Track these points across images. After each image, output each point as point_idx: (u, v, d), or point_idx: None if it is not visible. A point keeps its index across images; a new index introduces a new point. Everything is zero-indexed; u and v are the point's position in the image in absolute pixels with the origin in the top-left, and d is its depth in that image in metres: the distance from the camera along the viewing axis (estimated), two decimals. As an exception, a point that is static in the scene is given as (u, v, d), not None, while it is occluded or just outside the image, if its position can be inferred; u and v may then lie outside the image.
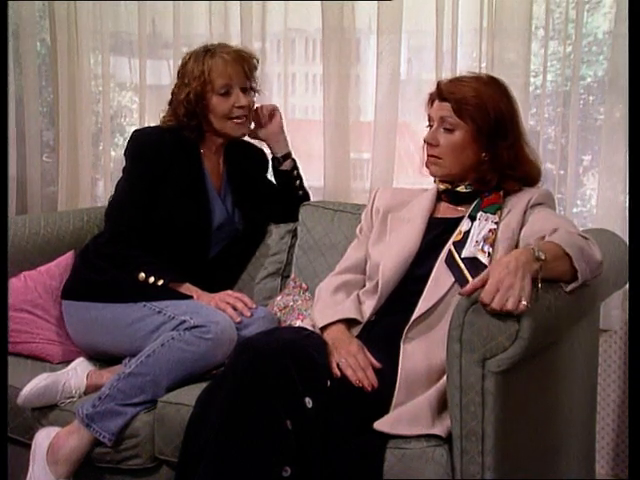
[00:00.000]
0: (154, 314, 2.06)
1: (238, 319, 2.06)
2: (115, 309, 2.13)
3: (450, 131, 1.89)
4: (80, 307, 2.20)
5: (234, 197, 2.35)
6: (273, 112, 2.38)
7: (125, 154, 2.30)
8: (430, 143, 1.91)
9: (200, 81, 2.21)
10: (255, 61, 2.31)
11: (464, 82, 1.91)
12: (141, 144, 2.27)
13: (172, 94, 2.30)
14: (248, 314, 2.08)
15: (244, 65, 2.26)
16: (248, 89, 2.29)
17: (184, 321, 1.99)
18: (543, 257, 1.56)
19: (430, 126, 1.93)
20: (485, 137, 1.87)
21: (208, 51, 2.24)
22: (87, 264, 2.26)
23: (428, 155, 1.94)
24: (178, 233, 2.24)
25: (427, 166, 1.96)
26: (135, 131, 2.35)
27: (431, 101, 1.95)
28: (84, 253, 2.31)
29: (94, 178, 3.04)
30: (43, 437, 1.94)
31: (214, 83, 2.21)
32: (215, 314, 2.03)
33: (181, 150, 2.26)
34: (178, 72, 2.30)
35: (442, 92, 1.90)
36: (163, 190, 2.22)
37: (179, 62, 2.33)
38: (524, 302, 1.48)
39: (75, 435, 1.92)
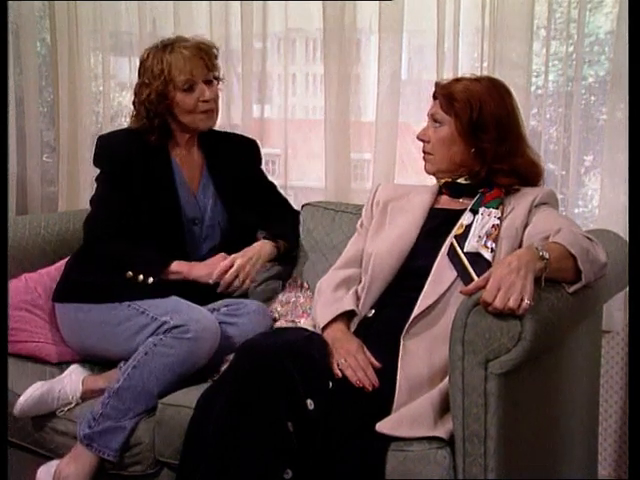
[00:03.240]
0: (138, 315, 2.05)
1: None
2: (101, 311, 2.11)
3: (439, 126, 1.91)
4: (68, 309, 2.19)
5: (215, 189, 2.30)
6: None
7: (94, 162, 2.29)
8: (422, 139, 1.95)
9: (161, 80, 2.16)
10: (215, 50, 2.24)
11: (458, 81, 1.93)
12: (103, 150, 2.27)
13: (134, 94, 2.25)
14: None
15: (204, 58, 2.19)
16: (212, 80, 2.23)
17: (165, 322, 1.97)
18: (547, 256, 1.56)
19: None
20: (469, 130, 1.88)
21: (166, 47, 2.18)
22: (73, 266, 2.26)
23: (422, 152, 1.96)
24: (150, 231, 2.19)
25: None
26: (99, 137, 2.33)
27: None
28: (73, 255, 2.30)
29: (94, 178, 3.03)
30: (44, 474, 1.93)
31: (175, 80, 2.16)
32: (195, 312, 2.00)
33: (145, 149, 2.22)
34: (138, 70, 2.25)
35: (435, 91, 1.94)
36: (131, 191, 2.19)
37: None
38: (527, 301, 1.48)
39: (79, 459, 1.91)
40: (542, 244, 1.63)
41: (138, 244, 2.17)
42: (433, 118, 1.93)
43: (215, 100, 2.24)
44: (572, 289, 1.62)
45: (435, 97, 1.94)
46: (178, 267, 2.14)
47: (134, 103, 2.25)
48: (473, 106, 1.87)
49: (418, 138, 1.96)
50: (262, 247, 2.25)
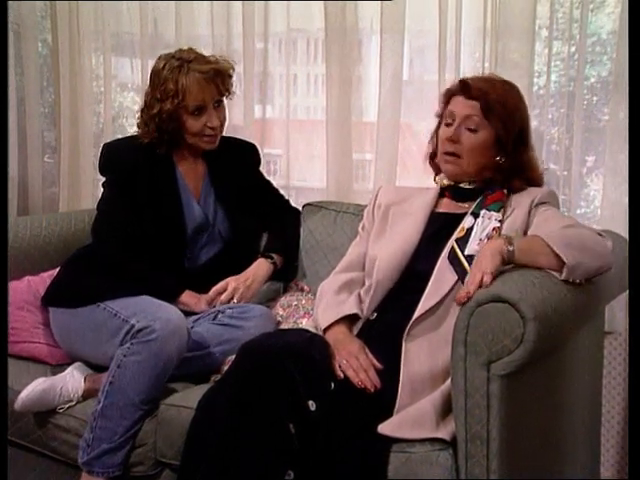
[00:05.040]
0: (111, 317, 2.03)
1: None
2: (82, 315, 2.11)
3: (474, 131, 1.87)
4: (57, 313, 2.20)
5: (216, 198, 2.30)
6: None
7: (99, 169, 2.30)
8: (452, 140, 1.88)
9: (173, 103, 2.15)
10: (231, 71, 2.24)
11: (493, 82, 1.89)
12: (109, 158, 2.27)
13: (145, 102, 2.24)
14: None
15: (218, 82, 2.19)
16: (222, 101, 2.24)
17: (133, 325, 1.96)
18: (512, 234, 1.63)
19: (448, 124, 1.90)
20: (509, 142, 1.86)
21: (183, 65, 2.15)
22: (65, 269, 2.26)
23: (445, 153, 1.91)
24: (153, 239, 2.20)
25: (440, 165, 1.96)
26: (104, 145, 2.33)
27: (448, 97, 1.93)
28: (68, 258, 2.30)
29: (95, 179, 3.01)
30: None
31: (188, 106, 2.16)
32: (160, 309, 1.99)
33: (151, 158, 2.23)
34: (151, 76, 2.22)
35: (470, 89, 1.87)
36: (136, 200, 2.20)
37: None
38: (486, 277, 1.57)
39: None
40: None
41: (146, 258, 2.18)
42: (466, 119, 1.86)
43: (221, 125, 2.25)
44: (563, 276, 1.61)
45: (464, 95, 1.87)
46: (186, 299, 2.16)
47: (142, 112, 2.24)
48: (515, 116, 1.85)
49: (448, 139, 1.88)
50: (258, 268, 2.26)
